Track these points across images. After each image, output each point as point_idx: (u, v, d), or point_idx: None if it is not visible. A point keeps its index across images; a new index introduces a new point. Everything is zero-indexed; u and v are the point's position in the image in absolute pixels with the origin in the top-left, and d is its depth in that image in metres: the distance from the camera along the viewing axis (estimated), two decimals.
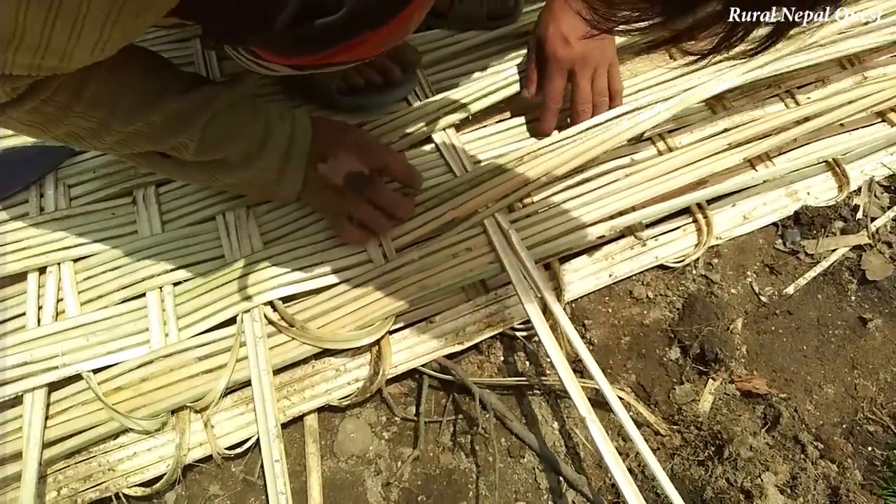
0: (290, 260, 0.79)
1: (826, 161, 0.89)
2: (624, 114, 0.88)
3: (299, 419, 0.73)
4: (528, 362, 0.78)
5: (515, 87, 0.92)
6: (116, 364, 0.73)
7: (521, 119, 0.93)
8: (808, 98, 0.95)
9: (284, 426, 0.73)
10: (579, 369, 0.75)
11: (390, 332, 0.77)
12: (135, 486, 0.68)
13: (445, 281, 0.79)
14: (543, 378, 0.76)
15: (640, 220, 0.83)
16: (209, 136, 0.64)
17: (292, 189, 0.75)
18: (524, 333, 0.78)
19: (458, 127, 0.91)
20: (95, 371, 0.72)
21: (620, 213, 0.84)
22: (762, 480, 0.66)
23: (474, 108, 0.90)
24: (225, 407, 0.72)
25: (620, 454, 0.72)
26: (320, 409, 0.74)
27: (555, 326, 0.74)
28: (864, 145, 0.90)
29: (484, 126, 0.93)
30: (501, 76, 0.92)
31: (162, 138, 0.62)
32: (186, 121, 0.62)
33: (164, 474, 0.68)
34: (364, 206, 0.77)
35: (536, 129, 0.90)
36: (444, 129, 0.90)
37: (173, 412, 0.72)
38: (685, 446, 0.72)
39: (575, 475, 0.71)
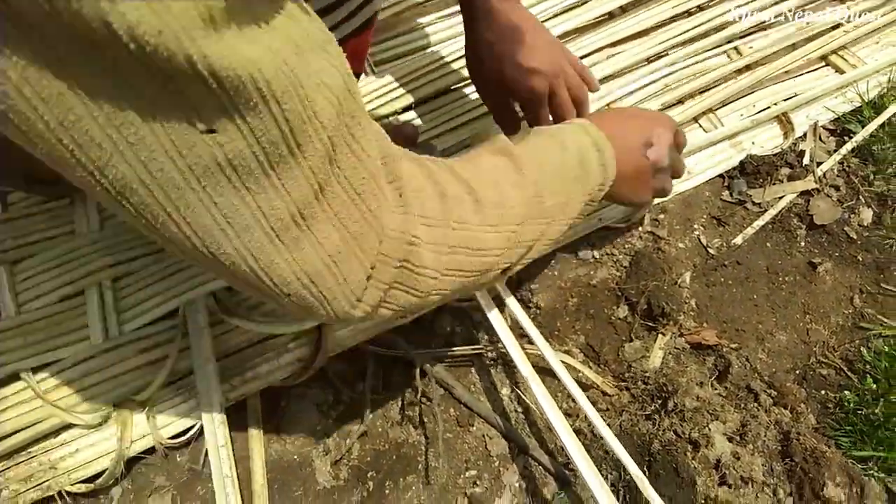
0: None
1: (770, 109, 0.88)
2: None
3: (242, 404, 0.72)
4: (474, 331, 0.77)
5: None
6: (56, 362, 0.72)
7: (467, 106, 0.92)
8: (751, 48, 0.94)
9: (228, 412, 0.72)
10: (527, 334, 0.74)
11: None
12: (78, 482, 0.67)
13: None
14: (489, 347, 0.75)
15: None
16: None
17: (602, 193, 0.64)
18: (470, 304, 0.77)
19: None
20: (34, 370, 0.71)
21: None
22: (709, 430, 0.65)
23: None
24: (167, 397, 0.71)
25: (570, 415, 0.71)
26: (265, 393, 0.73)
27: (499, 295, 0.73)
28: (809, 90, 0.89)
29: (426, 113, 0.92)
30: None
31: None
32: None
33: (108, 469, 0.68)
34: (669, 176, 0.70)
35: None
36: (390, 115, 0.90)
37: (115, 405, 0.71)
38: (633, 402, 0.70)
39: (525, 439, 0.70)
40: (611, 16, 0.98)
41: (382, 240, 0.43)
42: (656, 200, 0.78)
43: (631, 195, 0.69)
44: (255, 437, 0.70)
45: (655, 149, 0.66)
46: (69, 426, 0.69)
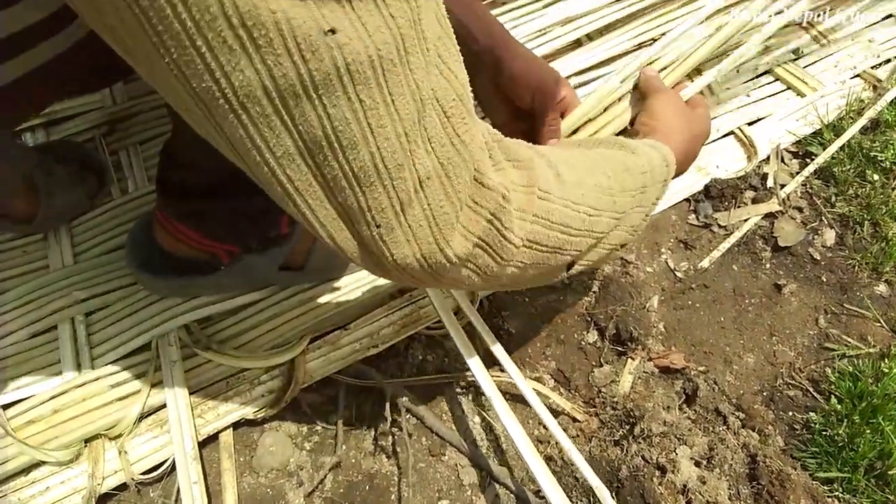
0: None
1: (733, 133, 0.90)
2: None
3: (215, 437, 0.72)
4: (446, 359, 0.77)
5: None
6: (27, 398, 0.72)
7: None
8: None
9: (201, 446, 0.72)
10: (498, 361, 0.74)
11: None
12: None
13: (363, 296, 0.79)
14: (460, 375, 0.75)
15: None
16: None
17: None
18: (442, 331, 0.78)
19: None
20: (5, 407, 0.71)
21: None
22: (676, 454, 0.66)
23: None
24: (139, 432, 0.72)
25: (541, 442, 0.72)
26: (238, 426, 0.73)
27: (471, 322, 0.73)
28: (771, 115, 0.91)
29: None
30: None
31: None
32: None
33: None
34: None
35: None
36: None
37: (87, 442, 0.71)
38: (602, 428, 0.71)
39: (497, 468, 0.71)
40: (578, 44, 1.00)
41: (476, 177, 0.44)
42: None
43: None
44: (228, 470, 0.70)
45: None
46: (39, 464, 0.69)
